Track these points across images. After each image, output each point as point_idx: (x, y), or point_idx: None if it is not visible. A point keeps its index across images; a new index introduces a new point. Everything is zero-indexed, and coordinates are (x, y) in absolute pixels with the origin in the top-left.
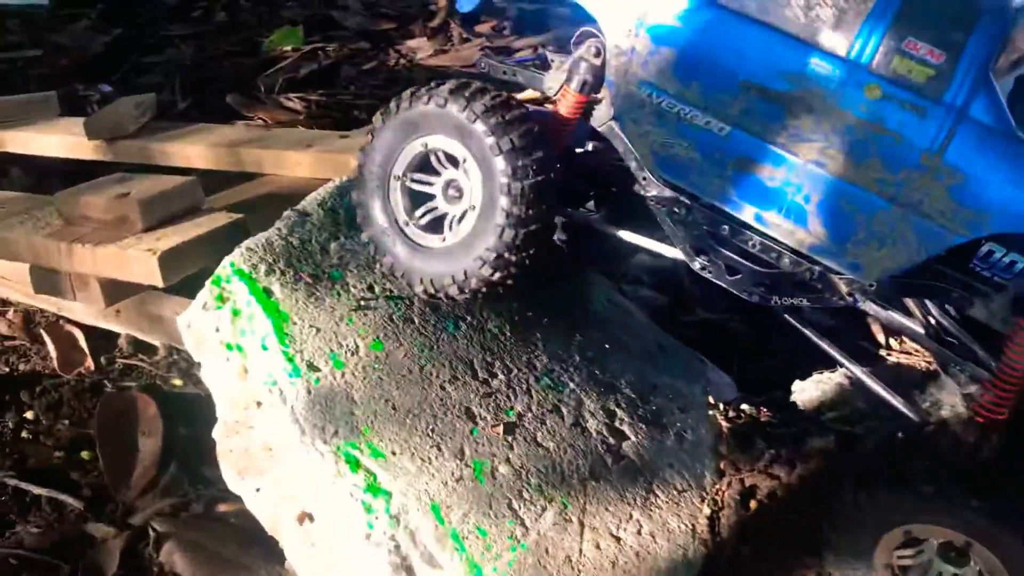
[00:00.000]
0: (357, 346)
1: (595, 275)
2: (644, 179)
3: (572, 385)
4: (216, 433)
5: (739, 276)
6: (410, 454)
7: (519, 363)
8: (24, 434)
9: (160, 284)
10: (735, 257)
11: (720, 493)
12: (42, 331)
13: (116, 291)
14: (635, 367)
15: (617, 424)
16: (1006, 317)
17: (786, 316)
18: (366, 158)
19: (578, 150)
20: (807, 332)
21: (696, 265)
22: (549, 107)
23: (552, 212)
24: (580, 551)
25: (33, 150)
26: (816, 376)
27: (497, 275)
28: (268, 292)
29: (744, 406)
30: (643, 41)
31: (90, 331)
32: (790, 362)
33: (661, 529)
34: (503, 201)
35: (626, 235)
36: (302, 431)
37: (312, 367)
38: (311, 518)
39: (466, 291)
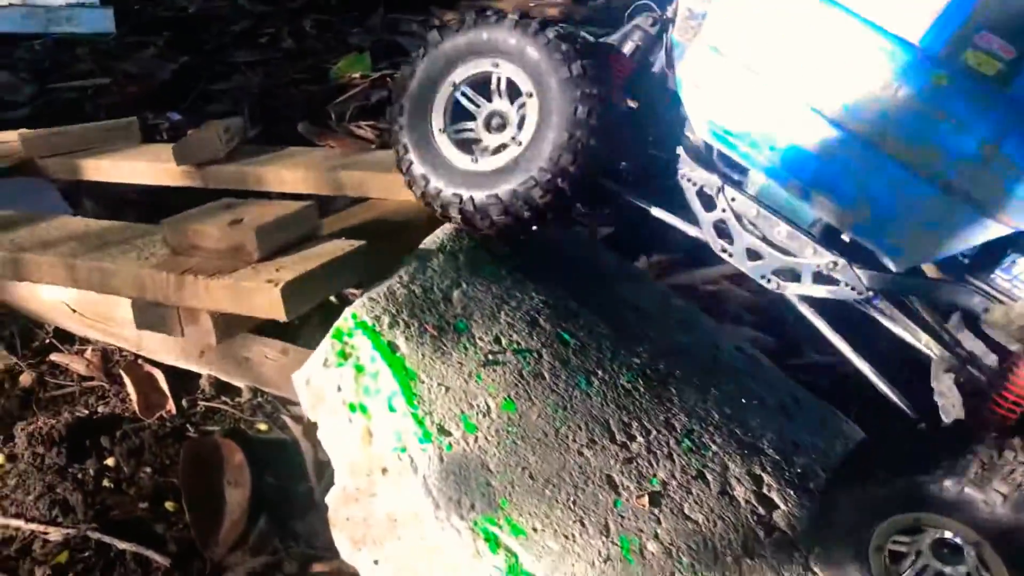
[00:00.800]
0: (488, 407)
1: (715, 321)
2: (678, 155)
3: (715, 447)
4: (331, 499)
5: (760, 261)
6: (553, 531)
7: (657, 423)
8: (106, 482)
9: (283, 318)
10: (758, 242)
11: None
12: (121, 371)
13: (229, 325)
14: (774, 424)
15: (765, 491)
16: (1018, 331)
17: (799, 307)
18: (428, 53)
19: None
20: (818, 323)
21: (717, 247)
22: None
23: (604, 158)
24: None
25: (118, 178)
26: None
27: (542, 198)
28: (393, 347)
29: None
30: (718, 5)
31: (169, 372)
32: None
33: None
34: (565, 121)
35: (653, 209)
36: (436, 505)
37: (443, 431)
38: None
39: (471, 216)
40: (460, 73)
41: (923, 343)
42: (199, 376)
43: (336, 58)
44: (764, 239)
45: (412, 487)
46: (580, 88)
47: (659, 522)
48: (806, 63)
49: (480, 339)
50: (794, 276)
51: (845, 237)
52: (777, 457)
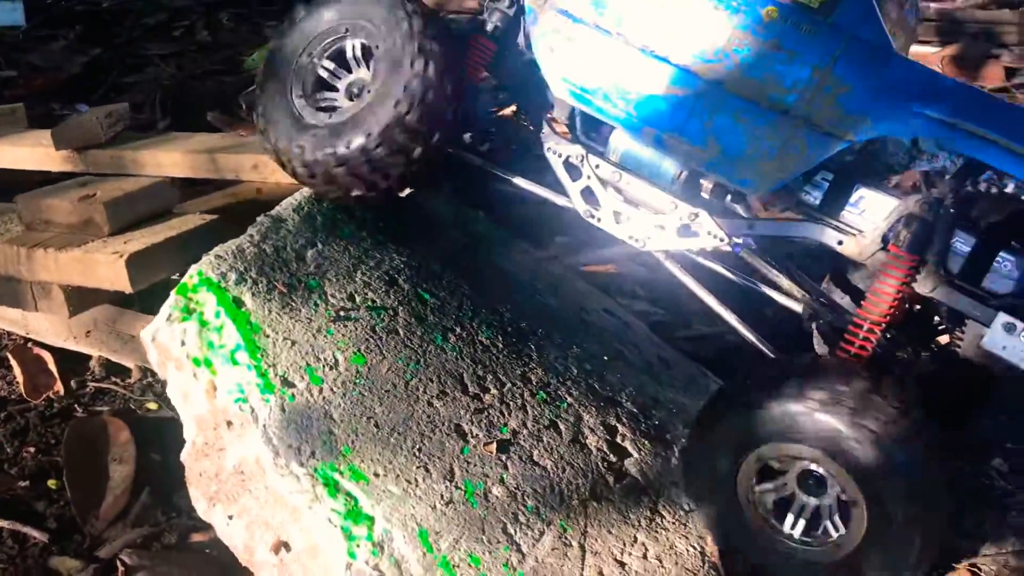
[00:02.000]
0: (336, 360)
1: (589, 285)
2: (542, 129)
3: (570, 399)
4: (184, 456)
5: (627, 223)
6: (395, 476)
7: (513, 376)
8: None
9: (128, 289)
10: (623, 204)
11: None
12: (8, 355)
13: (80, 299)
14: (636, 380)
15: (619, 440)
16: (874, 251)
17: (665, 263)
18: (288, 29)
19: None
20: (683, 278)
21: (585, 213)
22: None
23: (449, 121)
24: None
25: (0, 163)
26: None
27: (379, 151)
28: (238, 302)
29: None
30: None
31: (61, 355)
32: None
33: (668, 552)
34: (404, 72)
35: (520, 181)
36: (276, 452)
37: (287, 382)
38: (287, 547)
39: (339, 170)
40: (315, 44)
41: (785, 290)
42: (90, 358)
43: (252, 50)
44: (628, 201)
45: (254, 437)
46: (418, 42)
47: (506, 468)
48: (647, 14)
49: (332, 296)
50: (661, 235)
51: (704, 194)
52: (635, 410)
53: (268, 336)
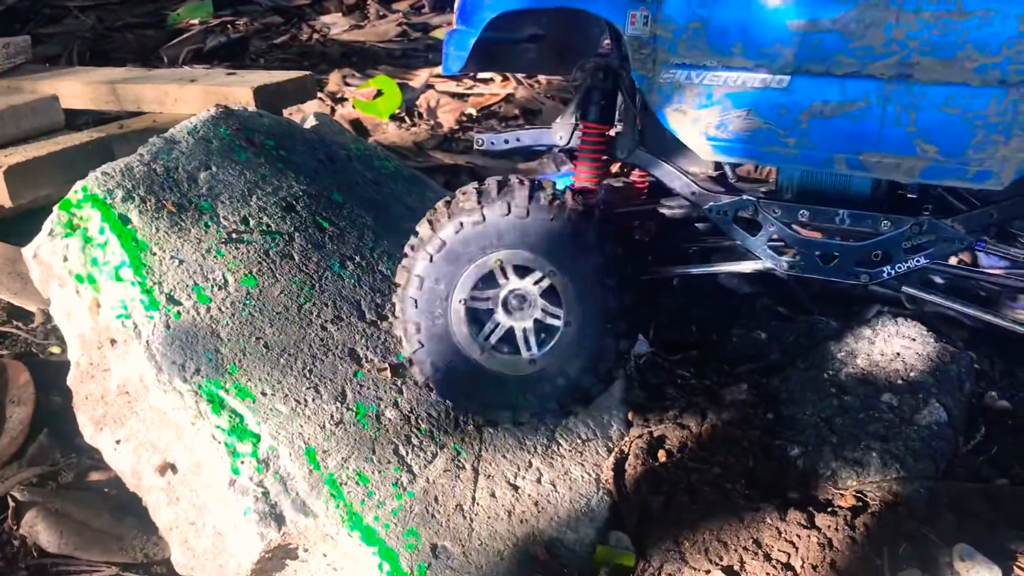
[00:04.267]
0: (226, 280)
1: None
2: (694, 193)
3: None
4: (70, 379)
5: (837, 260)
6: (283, 395)
7: None
8: None
9: (8, 203)
10: (827, 241)
11: (628, 443)
12: None
13: None
14: None
15: None
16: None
17: (913, 293)
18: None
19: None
20: (935, 299)
21: (784, 266)
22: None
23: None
24: (473, 499)
25: None
26: (733, 331)
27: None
28: (124, 219)
29: (655, 359)
30: (665, 24)
31: None
32: (707, 327)
33: (563, 478)
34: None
35: (696, 269)
36: (159, 368)
37: (172, 300)
38: (173, 469)
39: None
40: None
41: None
42: None
43: (178, 5)
44: (828, 235)
45: (136, 354)
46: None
47: (401, 392)
48: (792, 31)
49: (225, 218)
50: (885, 258)
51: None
52: None
53: (155, 254)
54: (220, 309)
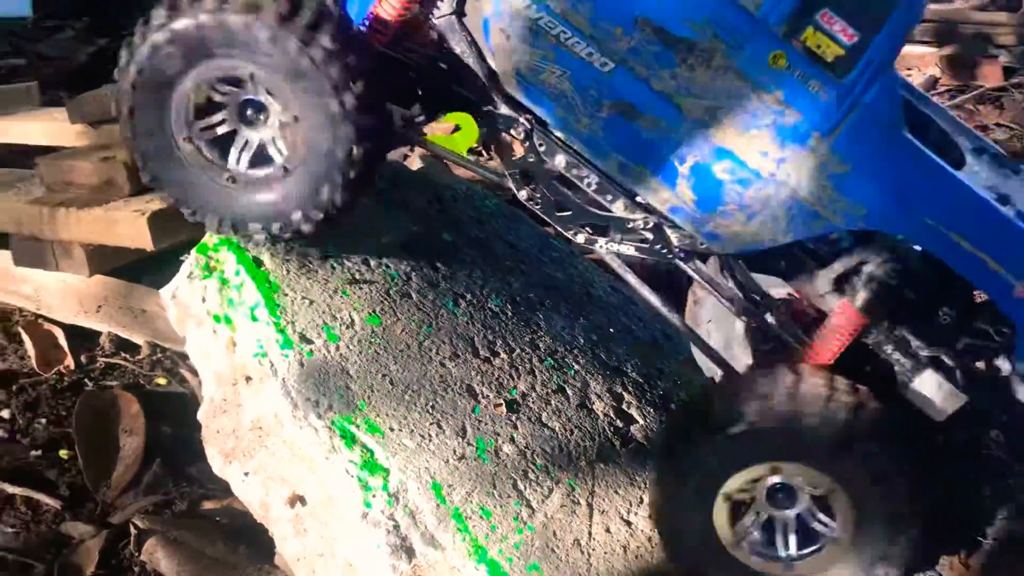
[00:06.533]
0: (352, 319)
1: (594, 263)
2: (494, 93)
3: (577, 367)
4: (202, 414)
5: (568, 213)
6: (409, 431)
7: (522, 343)
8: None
9: (149, 247)
10: (566, 192)
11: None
12: (20, 329)
13: (102, 259)
14: (641, 352)
15: (624, 407)
16: (826, 295)
17: (606, 258)
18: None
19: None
20: (629, 278)
21: (523, 195)
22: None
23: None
24: (590, 534)
25: (16, 138)
26: None
27: (344, 197)
28: (258, 262)
29: None
30: None
31: (71, 330)
32: None
33: None
34: (336, 115)
35: (449, 156)
36: (294, 405)
37: (305, 339)
38: (303, 501)
39: (316, 220)
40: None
41: (725, 297)
42: (99, 334)
43: None
44: (573, 189)
45: (272, 390)
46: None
47: (516, 428)
48: (638, 25)
49: (348, 260)
50: (604, 231)
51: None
52: (640, 380)
53: (287, 295)
54: (348, 347)
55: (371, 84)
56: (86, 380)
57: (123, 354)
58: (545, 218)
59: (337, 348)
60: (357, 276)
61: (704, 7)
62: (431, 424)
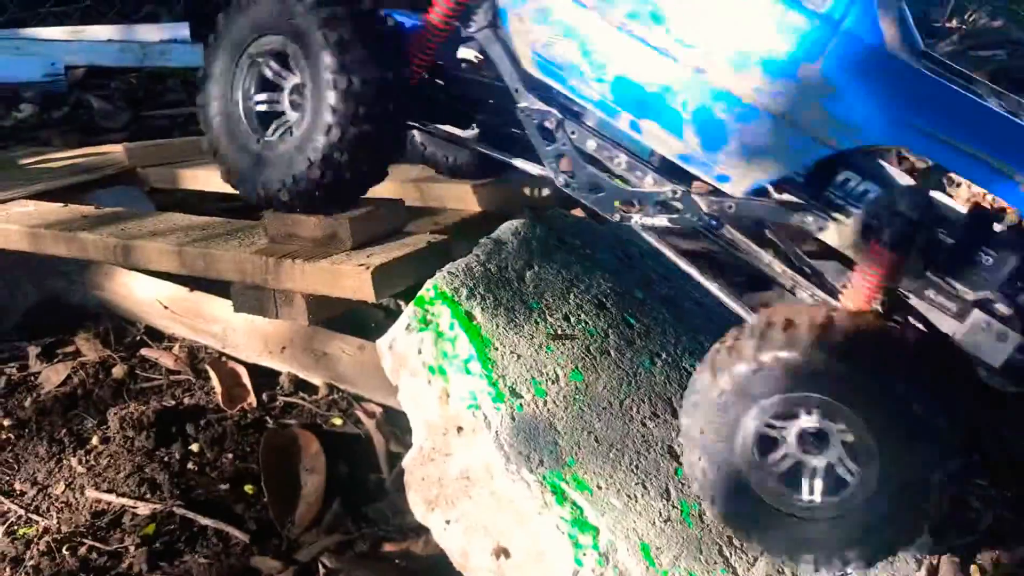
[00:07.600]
0: (557, 375)
1: None
2: (516, 90)
3: None
4: (408, 461)
5: (602, 194)
6: (616, 490)
7: None
8: (190, 465)
9: (372, 298)
10: (599, 174)
11: (937, 557)
12: (207, 366)
13: (320, 308)
14: None
15: None
16: (856, 243)
17: (643, 234)
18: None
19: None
20: (665, 250)
21: (560, 181)
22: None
23: (392, 116)
24: None
25: (216, 186)
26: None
27: (326, 177)
28: (470, 316)
29: None
30: None
31: (253, 369)
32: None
33: None
34: (330, 97)
35: (495, 153)
36: (507, 458)
37: (515, 393)
38: (507, 553)
39: (295, 196)
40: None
41: (766, 264)
42: (279, 374)
43: None
44: (605, 171)
45: (485, 442)
46: (341, 56)
47: None
48: None
49: (550, 316)
50: (637, 206)
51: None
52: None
53: (497, 349)
54: (555, 403)
55: None
56: (267, 418)
57: (301, 394)
58: (582, 200)
59: (544, 403)
60: (559, 332)
61: None
62: (636, 484)
